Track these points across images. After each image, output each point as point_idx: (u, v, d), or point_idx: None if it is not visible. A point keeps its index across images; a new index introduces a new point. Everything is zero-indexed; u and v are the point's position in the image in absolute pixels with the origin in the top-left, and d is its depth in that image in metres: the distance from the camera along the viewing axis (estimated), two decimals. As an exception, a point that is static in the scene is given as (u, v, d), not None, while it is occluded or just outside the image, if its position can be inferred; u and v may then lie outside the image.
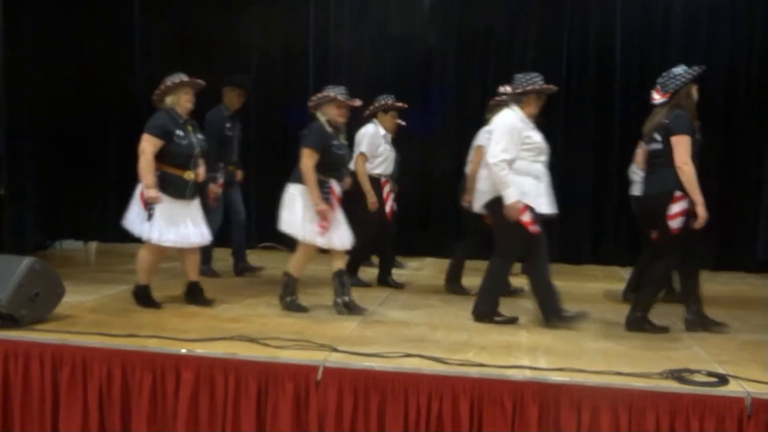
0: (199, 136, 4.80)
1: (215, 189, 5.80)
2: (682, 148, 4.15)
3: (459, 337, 4.13)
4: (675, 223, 4.17)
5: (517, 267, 5.77)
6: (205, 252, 6.14)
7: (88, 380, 3.77)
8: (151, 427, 3.71)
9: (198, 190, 4.86)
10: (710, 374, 3.42)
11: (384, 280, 5.88)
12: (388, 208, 5.72)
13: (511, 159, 4.31)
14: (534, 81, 4.44)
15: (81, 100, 7.80)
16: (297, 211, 4.63)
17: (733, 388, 3.28)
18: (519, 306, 4.98)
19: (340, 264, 4.78)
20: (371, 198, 5.50)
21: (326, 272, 5.13)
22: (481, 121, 5.58)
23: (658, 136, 4.29)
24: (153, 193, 4.50)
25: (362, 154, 5.62)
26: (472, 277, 5.26)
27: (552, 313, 4.44)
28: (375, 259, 6.32)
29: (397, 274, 6.10)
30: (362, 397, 3.47)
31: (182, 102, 4.66)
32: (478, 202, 4.71)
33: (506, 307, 4.72)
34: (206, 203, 5.62)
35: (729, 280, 6.57)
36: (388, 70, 7.53)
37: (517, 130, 4.36)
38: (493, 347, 3.91)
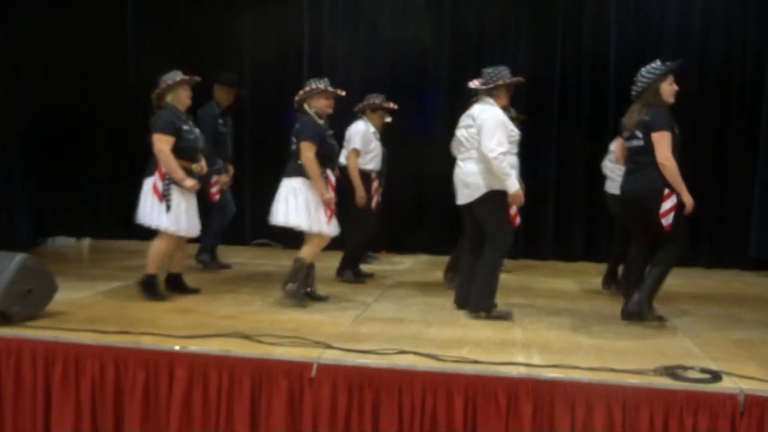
0: (197, 130, 4.98)
1: (224, 179, 5.96)
2: (663, 143, 4.22)
3: (453, 334, 4.13)
4: (667, 220, 4.24)
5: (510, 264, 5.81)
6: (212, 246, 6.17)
7: (81, 377, 3.75)
8: (145, 424, 3.69)
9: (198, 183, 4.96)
10: (703, 371, 3.43)
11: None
12: (374, 202, 5.85)
13: (506, 151, 4.42)
14: (503, 74, 4.60)
15: (74, 97, 7.78)
16: (301, 203, 4.70)
17: (727, 385, 3.28)
18: (512, 303, 4.98)
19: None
20: (360, 193, 5.59)
21: (320, 269, 5.15)
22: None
23: (639, 133, 4.34)
24: (190, 182, 4.74)
25: (355, 150, 5.71)
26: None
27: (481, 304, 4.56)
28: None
29: (365, 267, 6.21)
30: (356, 394, 3.46)
31: (182, 99, 4.85)
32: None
33: (499, 301, 4.72)
34: (207, 198, 5.63)
35: (723, 277, 6.59)
36: (381, 71, 7.53)
37: (504, 124, 4.49)
38: (488, 344, 3.91)
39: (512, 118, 4.77)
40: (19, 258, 4.10)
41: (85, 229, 8.18)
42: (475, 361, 3.52)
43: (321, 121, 4.82)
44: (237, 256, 6.77)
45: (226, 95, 6.15)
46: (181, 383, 3.63)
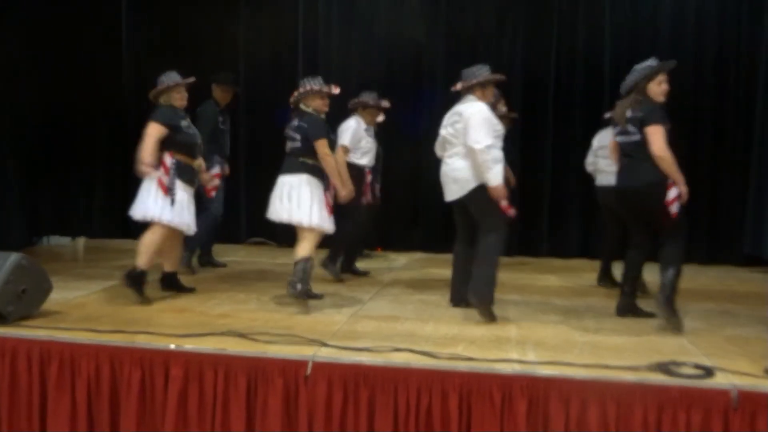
0: (195, 129, 5.05)
1: (207, 177, 5.79)
2: (657, 136, 4.25)
3: (448, 331, 4.14)
4: (674, 208, 4.28)
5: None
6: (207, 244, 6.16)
7: (77, 377, 3.75)
8: (140, 423, 3.70)
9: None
10: (697, 367, 3.45)
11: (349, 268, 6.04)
12: (367, 197, 5.86)
13: (492, 144, 4.47)
14: (479, 73, 4.65)
15: (68, 97, 7.76)
16: (304, 199, 4.71)
17: (720, 381, 3.30)
18: (507, 300, 4.99)
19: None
20: (349, 187, 5.52)
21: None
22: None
23: (632, 129, 4.37)
24: (144, 167, 4.72)
25: (343, 146, 5.74)
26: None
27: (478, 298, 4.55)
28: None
29: (360, 265, 6.24)
30: (352, 391, 3.47)
31: (175, 101, 4.92)
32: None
33: (495, 298, 4.73)
34: (202, 196, 5.64)
35: (717, 274, 6.61)
36: (376, 70, 7.54)
37: (490, 119, 4.54)
38: (483, 341, 3.92)
39: (502, 116, 4.81)
40: (13, 258, 4.10)
41: (80, 229, 8.19)
42: (470, 359, 3.53)
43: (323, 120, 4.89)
44: (232, 255, 6.77)
45: (223, 94, 6.18)
46: (177, 382, 3.63)
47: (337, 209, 5.03)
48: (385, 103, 6.04)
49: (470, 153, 4.49)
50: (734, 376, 3.34)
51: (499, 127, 4.62)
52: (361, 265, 6.24)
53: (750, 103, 6.96)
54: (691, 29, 7.10)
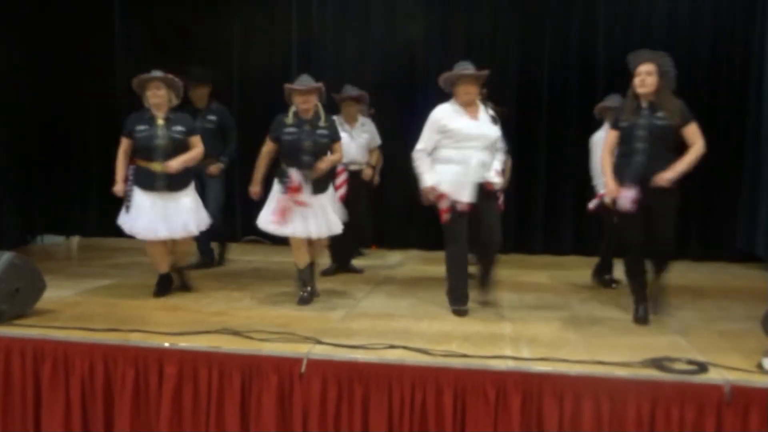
0: (175, 128, 4.82)
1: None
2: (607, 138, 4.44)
3: (443, 328, 4.15)
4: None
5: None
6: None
7: (70, 375, 3.75)
8: (135, 421, 3.70)
9: (178, 182, 4.82)
10: (690, 362, 3.46)
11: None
12: (339, 195, 5.68)
13: (425, 149, 4.55)
14: (448, 73, 4.58)
15: (62, 96, 7.75)
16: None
17: (713, 376, 3.31)
18: (502, 297, 5.00)
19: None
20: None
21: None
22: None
23: None
24: (116, 187, 4.82)
25: None
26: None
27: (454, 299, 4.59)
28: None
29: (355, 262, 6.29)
30: (346, 388, 3.48)
31: (147, 98, 4.83)
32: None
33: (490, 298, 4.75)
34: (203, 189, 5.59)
35: (710, 270, 6.63)
36: (370, 70, 7.53)
37: (434, 121, 4.54)
38: (477, 338, 3.93)
39: (495, 111, 4.75)
40: (6, 256, 4.09)
41: (74, 227, 8.18)
42: (464, 355, 3.54)
43: (291, 119, 4.74)
44: (227, 253, 6.75)
45: (195, 92, 6.09)
46: (171, 380, 3.63)
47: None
48: (353, 92, 5.94)
49: None
50: (727, 371, 3.35)
51: (452, 126, 4.49)
52: (356, 262, 6.24)
53: (743, 100, 6.98)
54: (685, 28, 7.11)
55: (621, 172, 4.28)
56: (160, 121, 4.79)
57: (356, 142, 5.99)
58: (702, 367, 3.39)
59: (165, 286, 5.01)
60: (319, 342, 3.74)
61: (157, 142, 4.75)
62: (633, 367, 3.40)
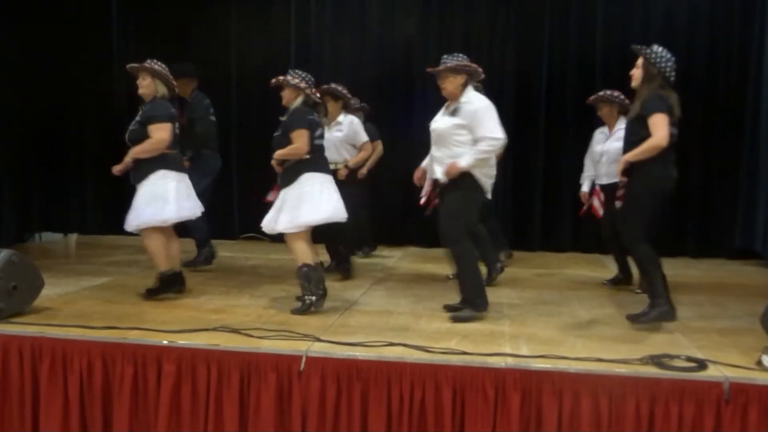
0: (137, 119, 4.72)
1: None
2: None
3: (442, 326, 4.15)
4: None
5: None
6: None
7: (69, 373, 3.74)
8: (133, 419, 3.69)
9: (135, 175, 4.70)
10: (689, 359, 3.46)
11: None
12: None
13: None
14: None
15: (59, 94, 7.75)
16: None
17: (712, 373, 3.32)
18: (500, 294, 5.00)
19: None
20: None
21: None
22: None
23: None
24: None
25: None
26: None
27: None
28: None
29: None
30: (345, 386, 3.47)
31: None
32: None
33: (488, 293, 4.72)
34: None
35: (708, 266, 6.64)
36: (368, 69, 7.55)
37: None
38: (476, 335, 3.93)
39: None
40: (4, 254, 4.07)
41: (72, 225, 8.17)
42: (463, 353, 3.54)
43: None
44: (225, 250, 6.74)
45: (179, 86, 5.93)
46: (170, 378, 3.62)
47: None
48: (329, 87, 5.78)
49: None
50: (726, 368, 3.36)
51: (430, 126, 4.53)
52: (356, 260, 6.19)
53: (741, 98, 7.00)
54: (683, 27, 7.12)
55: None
56: (140, 112, 4.74)
57: (329, 140, 5.63)
58: (701, 365, 3.40)
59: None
60: (318, 339, 3.74)
61: (126, 135, 4.71)
62: (632, 364, 3.40)
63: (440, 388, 3.39)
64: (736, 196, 7.03)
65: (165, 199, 4.62)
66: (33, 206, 7.82)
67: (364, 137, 5.98)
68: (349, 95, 5.96)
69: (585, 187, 5.62)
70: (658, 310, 4.12)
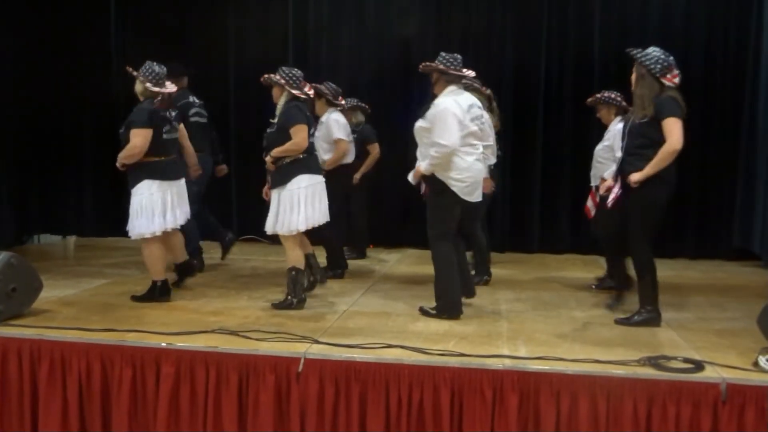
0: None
1: None
2: None
3: (440, 327, 4.15)
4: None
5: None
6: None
7: (67, 375, 3.75)
8: (132, 421, 3.70)
9: (129, 182, 4.68)
10: (686, 361, 3.47)
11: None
12: None
13: None
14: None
15: (57, 95, 7.75)
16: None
17: (709, 374, 3.33)
18: (498, 296, 5.01)
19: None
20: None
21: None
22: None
23: None
24: None
25: None
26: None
27: None
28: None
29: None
30: (343, 387, 3.48)
31: None
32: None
33: (486, 295, 4.75)
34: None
35: (706, 267, 6.65)
36: (366, 67, 7.55)
37: None
38: (474, 337, 3.94)
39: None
40: (3, 256, 4.08)
41: (70, 227, 8.16)
42: (461, 354, 3.55)
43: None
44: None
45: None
46: (169, 379, 3.63)
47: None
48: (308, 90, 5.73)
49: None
50: (723, 369, 3.37)
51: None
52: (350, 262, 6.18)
53: (738, 98, 7.00)
54: (680, 26, 7.13)
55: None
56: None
57: (321, 135, 5.67)
58: (698, 366, 3.41)
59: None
60: (316, 341, 3.75)
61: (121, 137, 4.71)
62: (629, 365, 3.41)
63: (438, 389, 3.40)
64: (733, 197, 7.04)
65: (152, 211, 4.62)
66: (31, 208, 7.80)
67: (336, 134, 5.74)
68: (331, 93, 5.80)
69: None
70: (645, 315, 4.22)
